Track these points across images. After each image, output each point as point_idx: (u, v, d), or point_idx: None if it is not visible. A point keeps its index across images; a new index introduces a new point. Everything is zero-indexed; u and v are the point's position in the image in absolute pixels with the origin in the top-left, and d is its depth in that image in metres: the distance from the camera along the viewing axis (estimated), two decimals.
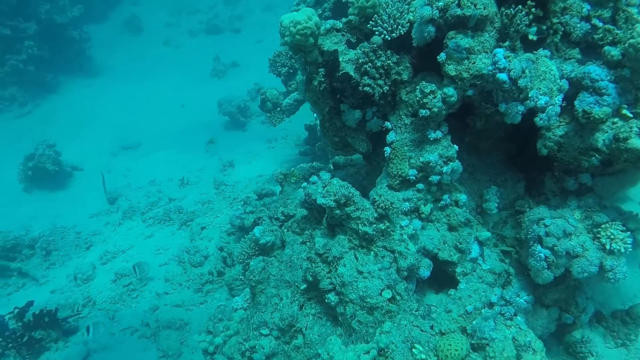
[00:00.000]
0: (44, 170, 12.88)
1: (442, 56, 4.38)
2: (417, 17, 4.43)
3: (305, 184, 5.01)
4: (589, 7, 4.66)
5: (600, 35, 4.58)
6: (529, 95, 4.12)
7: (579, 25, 4.62)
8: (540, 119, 4.21)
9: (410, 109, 4.75)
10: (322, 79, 4.88)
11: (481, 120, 4.72)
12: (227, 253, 7.55)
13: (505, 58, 3.99)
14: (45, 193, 13.08)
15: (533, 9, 4.31)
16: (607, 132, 4.39)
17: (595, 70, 4.25)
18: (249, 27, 20.71)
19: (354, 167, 6.01)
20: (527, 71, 4.03)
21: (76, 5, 18.26)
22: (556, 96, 4.24)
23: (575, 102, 4.39)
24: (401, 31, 4.64)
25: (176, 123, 15.43)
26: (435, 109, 4.39)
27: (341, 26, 4.92)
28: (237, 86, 16.22)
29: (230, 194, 10.22)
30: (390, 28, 4.65)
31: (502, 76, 3.97)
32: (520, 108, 4.14)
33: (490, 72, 4.06)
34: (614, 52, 4.31)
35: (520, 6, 4.23)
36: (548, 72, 4.30)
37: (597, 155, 4.52)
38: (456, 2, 4.28)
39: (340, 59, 4.81)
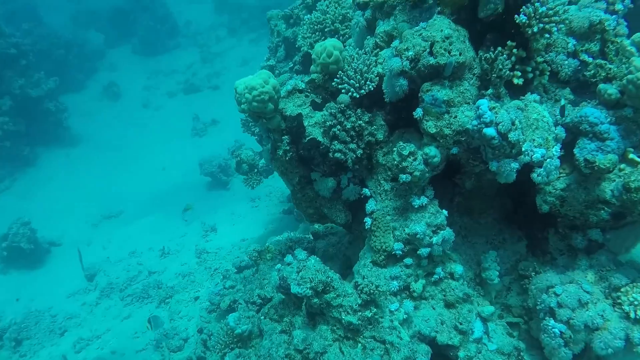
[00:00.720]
0: (19, 249, 12.27)
1: (418, 112, 3.85)
2: (387, 70, 3.92)
3: (279, 265, 4.37)
4: (574, 42, 4.19)
5: (592, 71, 4.08)
6: (522, 149, 3.56)
7: (566, 62, 4.13)
8: (538, 175, 3.64)
9: (389, 172, 4.18)
10: (288, 147, 4.33)
11: (471, 179, 4.15)
12: (207, 335, 6.81)
13: (490, 110, 3.45)
14: (21, 273, 12.38)
15: (515, 50, 3.82)
16: (615, 180, 3.82)
17: (592, 113, 3.72)
18: (227, 83, 20.43)
19: (336, 235, 5.40)
20: (517, 122, 3.49)
21: (51, 78, 17.95)
22: (553, 147, 3.69)
23: (575, 151, 3.84)
24: (370, 87, 4.12)
25: (158, 187, 14.87)
26: (417, 173, 3.82)
27: (304, 86, 4.41)
28: (218, 143, 15.74)
29: (212, 263, 9.54)
30: (357, 84, 4.14)
31: (490, 131, 3.42)
32: (514, 165, 3.57)
33: (475, 128, 3.52)
34: (611, 90, 3.79)
35: (500, 48, 3.73)
36: (540, 119, 3.77)
37: (606, 208, 3.94)
38: (427, 50, 3.79)
39: (306, 123, 4.27)
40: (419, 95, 3.89)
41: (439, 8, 4.04)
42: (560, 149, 3.75)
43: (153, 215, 13.22)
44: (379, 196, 4.28)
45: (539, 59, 4.00)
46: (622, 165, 3.89)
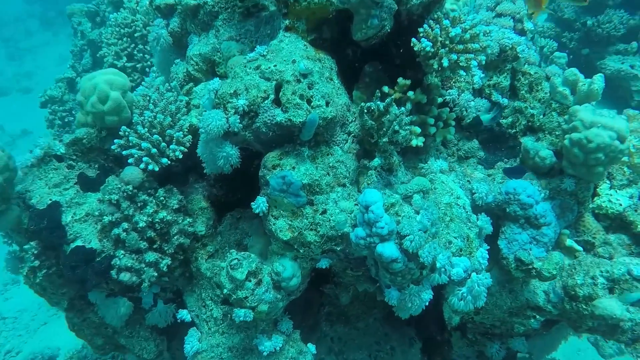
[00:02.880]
0: None
1: (260, 204, 2.23)
2: (202, 127, 2.22)
3: None
4: (481, 74, 2.88)
5: (510, 118, 2.81)
6: (437, 265, 2.13)
7: (472, 104, 2.81)
8: (460, 299, 2.25)
9: (218, 291, 2.50)
10: (38, 263, 2.42)
11: (348, 292, 2.66)
12: None
13: (388, 210, 1.96)
14: None
15: (411, 93, 2.38)
16: (551, 280, 2.59)
17: (524, 190, 2.43)
18: (42, 85, 16.95)
19: None
20: (429, 223, 2.04)
21: None
22: (477, 249, 2.32)
23: (501, 244, 2.53)
24: (177, 153, 2.41)
25: None
26: (264, 307, 2.21)
27: (64, 151, 2.52)
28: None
29: None
30: (156, 148, 2.39)
31: (389, 251, 1.94)
32: (426, 296, 2.13)
33: (362, 242, 2.00)
34: (544, 152, 2.54)
35: (390, 98, 2.25)
36: (454, 203, 2.38)
37: (538, 316, 2.72)
38: (271, 96, 2.18)
39: (68, 219, 2.40)
40: (261, 172, 2.27)
41: (286, 21, 2.43)
42: (487, 249, 2.41)
43: None
44: (206, 325, 2.59)
45: (438, 99, 2.61)
46: (557, 259, 2.69)
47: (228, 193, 2.78)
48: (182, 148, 2.46)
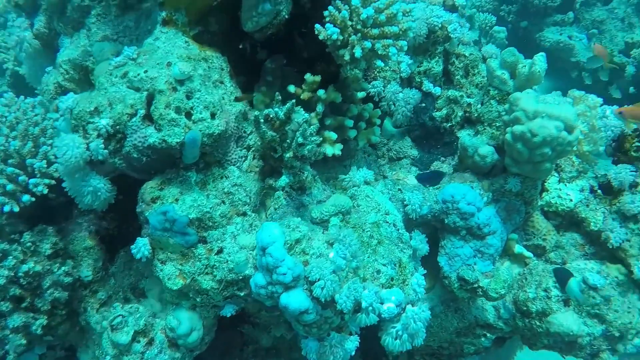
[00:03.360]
0: None
1: (140, 248, 1.80)
2: (58, 157, 1.74)
3: None
4: (409, 61, 2.49)
5: (444, 110, 2.44)
6: (362, 305, 1.74)
7: (400, 96, 2.42)
8: (395, 338, 1.88)
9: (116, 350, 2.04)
10: None
11: (269, 333, 2.26)
12: None
13: (292, 250, 1.56)
14: None
15: (322, 93, 1.96)
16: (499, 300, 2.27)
17: (464, 196, 2.08)
18: None
19: None
20: (349, 255, 1.66)
21: None
22: (412, 276, 1.95)
23: (441, 261, 2.18)
24: (40, 189, 1.93)
25: None
26: None
27: None
28: None
29: None
30: (14, 185, 1.91)
31: (295, 303, 1.57)
32: (351, 345, 1.76)
33: (264, 293, 1.60)
34: (484, 149, 2.19)
35: (297, 90, 1.84)
36: (382, 221, 2.00)
37: (489, 334, 2.40)
38: (140, 112, 1.73)
39: None
40: (138, 207, 1.82)
41: (163, 13, 1.96)
42: (424, 273, 2.04)
43: None
44: None
45: (358, 95, 2.20)
46: (506, 264, 2.37)
47: (121, 224, 2.31)
48: (47, 181, 1.96)
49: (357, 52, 1.82)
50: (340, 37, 1.83)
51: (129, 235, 2.29)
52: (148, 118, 1.75)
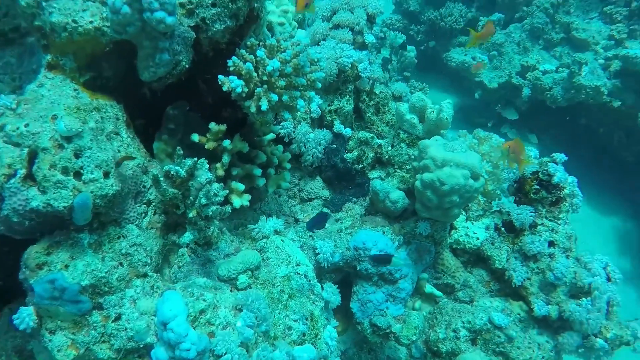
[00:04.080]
0: None
1: (24, 318, 1.63)
2: None
3: None
4: (319, 100, 2.47)
5: (356, 153, 2.44)
6: None
7: (311, 136, 2.40)
8: None
9: None
10: None
11: None
12: None
13: (197, 321, 1.47)
14: None
15: (227, 144, 1.88)
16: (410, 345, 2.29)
17: (375, 243, 2.08)
18: None
19: None
20: (257, 323, 1.58)
21: None
22: (323, 328, 1.91)
23: (354, 307, 2.19)
24: None
25: None
26: None
27: None
28: None
29: None
30: None
31: None
32: None
33: None
34: (395, 195, 2.20)
35: (200, 139, 1.75)
36: (293, 273, 1.94)
37: None
38: (20, 172, 1.57)
39: None
40: (21, 274, 1.65)
41: (48, 57, 1.79)
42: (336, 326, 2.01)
43: None
44: None
45: (267, 138, 2.15)
46: (417, 303, 2.40)
47: (6, 278, 2.08)
48: None
49: (264, 105, 1.76)
50: (245, 90, 1.76)
51: (17, 289, 2.08)
52: (30, 177, 1.58)
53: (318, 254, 2.09)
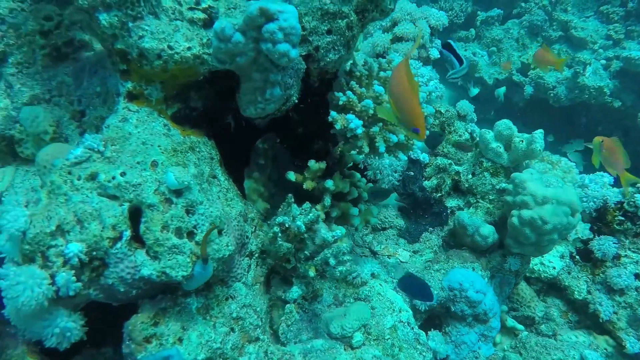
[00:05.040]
0: None
1: None
2: (7, 300, 1.26)
3: None
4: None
5: (435, 181, 2.30)
6: None
7: (386, 162, 2.23)
8: None
9: None
10: None
11: None
12: None
13: None
14: None
15: (330, 185, 1.69)
16: None
17: (472, 284, 1.97)
18: None
19: None
20: None
21: None
22: None
23: (448, 350, 2.04)
24: None
25: None
26: None
27: None
28: None
29: None
30: None
31: None
32: None
33: None
34: (485, 230, 2.08)
35: (297, 177, 1.55)
36: (397, 322, 1.79)
37: None
38: (127, 234, 1.33)
39: None
40: (125, 348, 1.42)
41: (128, 85, 1.54)
42: None
43: None
44: None
45: (355, 174, 1.96)
46: (498, 338, 2.30)
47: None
48: None
49: (381, 147, 1.58)
50: (363, 130, 1.57)
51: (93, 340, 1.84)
52: (134, 238, 1.35)
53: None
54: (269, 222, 1.69)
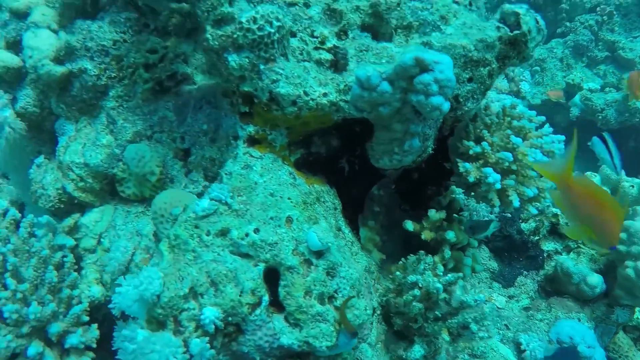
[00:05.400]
0: None
1: None
2: None
3: None
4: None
5: (533, 224, 2.19)
6: None
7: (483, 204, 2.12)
8: None
9: None
10: None
11: None
12: None
13: None
14: None
15: (451, 236, 1.59)
16: None
17: (583, 338, 1.85)
18: None
19: None
20: None
21: None
22: None
23: None
24: None
25: None
26: None
27: None
28: None
29: None
30: None
31: None
32: None
33: None
34: (593, 280, 1.97)
35: (415, 226, 1.45)
36: None
37: None
38: (266, 299, 1.22)
39: None
40: None
41: (250, 129, 1.44)
42: None
43: None
44: None
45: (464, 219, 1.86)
46: None
47: None
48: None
49: (515, 202, 1.48)
50: (500, 185, 1.47)
51: None
52: (271, 302, 1.25)
53: (524, 350, 1.83)
54: (388, 275, 1.59)
